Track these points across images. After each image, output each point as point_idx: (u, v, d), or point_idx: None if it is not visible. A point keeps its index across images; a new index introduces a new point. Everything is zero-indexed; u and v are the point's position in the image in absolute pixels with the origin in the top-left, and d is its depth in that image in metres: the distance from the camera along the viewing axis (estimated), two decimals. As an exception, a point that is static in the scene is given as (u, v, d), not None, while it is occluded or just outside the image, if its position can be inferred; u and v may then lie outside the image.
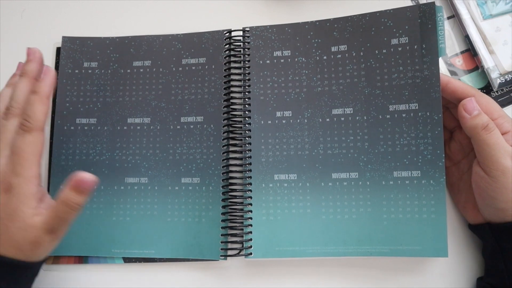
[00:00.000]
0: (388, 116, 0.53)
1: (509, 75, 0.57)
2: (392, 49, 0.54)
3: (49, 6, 0.64)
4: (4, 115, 0.47)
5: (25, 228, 0.43)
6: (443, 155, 0.51)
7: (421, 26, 0.53)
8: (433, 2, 0.53)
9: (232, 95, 0.57)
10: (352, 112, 0.54)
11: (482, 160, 0.47)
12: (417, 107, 0.52)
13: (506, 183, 0.46)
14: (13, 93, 0.48)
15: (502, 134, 0.48)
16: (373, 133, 0.53)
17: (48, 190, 0.57)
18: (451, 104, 0.53)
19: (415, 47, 0.53)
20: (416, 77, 0.52)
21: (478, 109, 0.48)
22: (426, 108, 0.52)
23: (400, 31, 0.54)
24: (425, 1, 0.60)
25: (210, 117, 0.56)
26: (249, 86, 0.56)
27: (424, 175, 0.51)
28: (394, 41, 0.54)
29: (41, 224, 0.44)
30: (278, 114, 0.55)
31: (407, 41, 0.53)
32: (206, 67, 0.58)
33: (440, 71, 0.51)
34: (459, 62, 0.59)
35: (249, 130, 0.55)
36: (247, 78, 0.56)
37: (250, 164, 0.54)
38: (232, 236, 0.54)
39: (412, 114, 0.52)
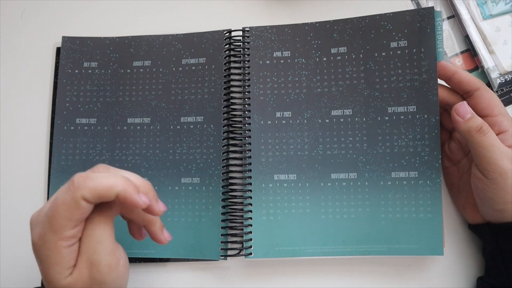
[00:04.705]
0: (386, 118, 0.53)
1: (509, 75, 0.57)
2: (391, 52, 0.54)
3: (49, 6, 0.64)
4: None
5: None
6: (440, 157, 0.51)
7: (420, 30, 0.53)
8: (432, 7, 0.53)
9: (232, 95, 0.57)
10: (351, 113, 0.54)
11: (479, 163, 0.48)
12: (415, 110, 0.52)
13: (504, 185, 0.46)
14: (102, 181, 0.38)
15: (500, 132, 0.48)
16: (372, 134, 0.53)
17: (48, 190, 0.58)
18: (449, 106, 0.53)
19: (414, 50, 0.53)
20: (415, 80, 0.53)
21: (471, 112, 0.47)
22: (424, 110, 0.52)
23: (400, 35, 0.54)
24: (425, 3, 0.60)
25: (210, 117, 0.56)
26: (249, 86, 0.56)
27: (421, 176, 0.52)
28: (394, 44, 0.54)
29: None
30: (278, 114, 0.55)
31: (406, 45, 0.53)
32: (206, 67, 0.58)
33: (447, 62, 0.52)
34: (459, 62, 0.59)
35: (249, 130, 0.55)
36: (247, 78, 0.56)
37: (250, 164, 0.55)
38: (232, 236, 0.54)
39: (410, 116, 0.53)
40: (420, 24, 0.53)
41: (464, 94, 0.51)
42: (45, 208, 0.39)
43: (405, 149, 0.52)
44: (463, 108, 0.48)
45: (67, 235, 0.37)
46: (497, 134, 0.48)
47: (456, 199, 0.55)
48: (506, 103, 0.57)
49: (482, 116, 0.49)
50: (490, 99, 0.49)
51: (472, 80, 0.50)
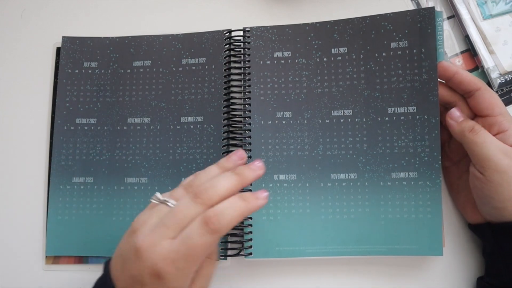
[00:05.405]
0: (386, 119, 0.53)
1: (509, 75, 0.57)
2: (391, 53, 0.54)
3: (49, 6, 0.64)
4: (194, 196, 0.41)
5: None
6: (440, 157, 0.51)
7: (420, 30, 0.53)
8: (433, 7, 0.53)
9: (232, 95, 0.57)
10: (351, 114, 0.54)
11: (475, 161, 0.48)
12: (415, 110, 0.52)
13: (501, 181, 0.46)
14: (217, 182, 0.42)
15: (500, 132, 0.48)
16: (372, 134, 0.53)
17: (48, 191, 0.58)
18: (450, 105, 0.53)
19: (415, 51, 0.53)
20: (415, 80, 0.53)
21: (464, 116, 0.50)
22: (424, 111, 0.52)
23: (400, 35, 0.54)
24: (425, 3, 0.60)
25: (210, 117, 0.56)
26: (249, 86, 0.56)
27: (421, 177, 0.52)
28: (394, 45, 0.54)
29: None
30: (278, 114, 0.55)
31: (406, 45, 0.53)
32: (206, 67, 0.58)
33: (447, 61, 0.52)
34: (459, 62, 0.59)
35: (249, 130, 0.55)
36: (247, 78, 0.56)
37: (250, 164, 0.54)
38: (232, 236, 0.54)
39: (410, 117, 0.53)
40: (421, 25, 0.53)
41: (465, 94, 0.51)
42: (173, 246, 0.39)
43: (405, 150, 0.52)
44: (456, 113, 0.50)
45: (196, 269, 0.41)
46: (496, 134, 0.48)
47: (456, 198, 0.55)
48: (506, 103, 0.57)
49: (483, 116, 0.49)
50: (491, 99, 0.49)
51: (472, 80, 0.50)
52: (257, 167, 0.44)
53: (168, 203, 0.42)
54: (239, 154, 0.45)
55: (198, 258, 0.40)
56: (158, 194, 0.43)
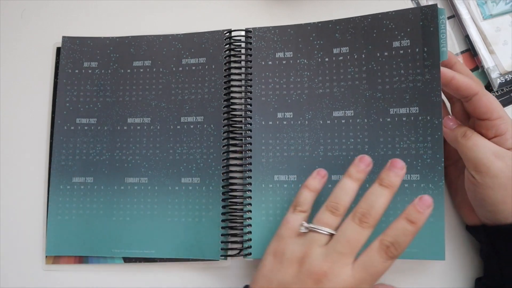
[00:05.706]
0: (388, 119, 0.53)
1: (509, 75, 0.57)
2: (393, 52, 0.53)
3: (49, 6, 0.64)
4: (359, 221, 0.44)
5: None
6: (443, 159, 0.51)
7: (423, 28, 0.52)
8: (436, 5, 0.52)
9: (232, 95, 0.57)
10: (352, 114, 0.54)
11: (468, 165, 0.48)
12: (417, 111, 0.52)
13: (492, 184, 0.46)
14: (374, 202, 0.44)
15: (498, 135, 0.48)
16: (373, 136, 0.53)
17: (48, 191, 0.58)
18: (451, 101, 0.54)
19: (417, 50, 0.52)
20: (417, 80, 0.52)
21: (457, 123, 0.51)
22: (427, 112, 0.51)
23: (402, 34, 0.53)
24: (425, 3, 0.60)
25: (210, 117, 0.56)
26: (250, 86, 0.56)
27: (423, 179, 0.51)
28: (396, 44, 0.53)
29: None
30: (279, 115, 0.55)
31: (408, 44, 0.53)
32: (206, 67, 0.58)
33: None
34: (459, 62, 0.59)
35: (250, 131, 0.55)
36: (248, 78, 0.56)
37: (250, 164, 0.54)
38: (232, 236, 0.54)
39: (412, 117, 0.52)
40: (423, 23, 0.52)
41: (462, 99, 0.51)
42: (357, 273, 0.42)
43: (407, 152, 0.52)
44: (449, 122, 0.51)
45: None
46: (494, 137, 0.48)
47: (454, 199, 0.55)
48: (506, 103, 0.57)
49: (481, 120, 0.49)
50: (489, 103, 0.49)
51: (470, 85, 0.49)
52: (399, 168, 0.45)
53: (320, 231, 0.45)
54: (365, 161, 0.47)
55: (377, 280, 0.43)
56: (305, 223, 0.46)
